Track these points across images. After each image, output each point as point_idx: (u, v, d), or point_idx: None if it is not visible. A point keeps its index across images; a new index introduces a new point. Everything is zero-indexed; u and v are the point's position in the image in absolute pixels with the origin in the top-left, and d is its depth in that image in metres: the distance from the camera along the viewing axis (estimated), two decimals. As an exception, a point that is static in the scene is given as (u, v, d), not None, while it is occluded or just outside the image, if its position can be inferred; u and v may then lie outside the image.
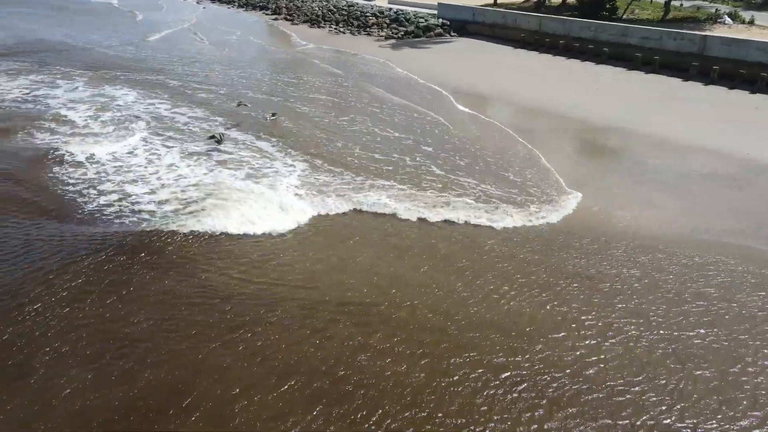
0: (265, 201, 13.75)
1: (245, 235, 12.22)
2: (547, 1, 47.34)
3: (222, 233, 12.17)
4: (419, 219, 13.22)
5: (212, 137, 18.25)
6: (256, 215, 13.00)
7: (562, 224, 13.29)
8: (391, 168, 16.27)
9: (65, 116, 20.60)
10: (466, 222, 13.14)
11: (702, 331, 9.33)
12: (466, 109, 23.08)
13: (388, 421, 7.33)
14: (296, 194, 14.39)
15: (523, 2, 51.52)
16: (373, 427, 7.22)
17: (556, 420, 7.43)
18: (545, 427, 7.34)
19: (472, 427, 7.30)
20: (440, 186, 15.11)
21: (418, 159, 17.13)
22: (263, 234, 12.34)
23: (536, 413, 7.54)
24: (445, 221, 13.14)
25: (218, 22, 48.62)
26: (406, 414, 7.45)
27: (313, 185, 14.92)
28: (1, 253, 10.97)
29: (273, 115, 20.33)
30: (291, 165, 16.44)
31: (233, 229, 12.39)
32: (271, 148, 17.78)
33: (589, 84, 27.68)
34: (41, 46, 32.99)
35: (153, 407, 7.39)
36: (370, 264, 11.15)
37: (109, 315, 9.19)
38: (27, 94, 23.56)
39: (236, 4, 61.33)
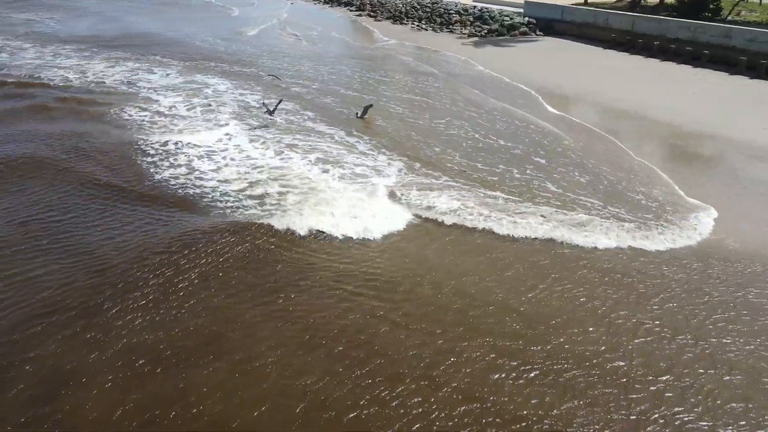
0: (361, 202, 13.53)
1: (343, 238, 12.06)
2: (642, 1, 45.01)
3: (318, 231, 12.14)
4: (536, 239, 12.29)
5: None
6: (351, 216, 12.74)
7: (709, 247, 12.26)
8: (496, 179, 15.37)
9: (156, 100, 22.06)
10: (595, 247, 12.04)
11: None
12: (558, 111, 22.21)
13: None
14: (392, 196, 14.01)
15: (616, 1, 49.27)
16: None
17: None
18: None
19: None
20: (558, 203, 13.98)
21: (528, 172, 15.95)
22: (358, 239, 12.05)
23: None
24: (571, 245, 12.13)
25: (306, 18, 49.78)
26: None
27: (410, 189, 14.50)
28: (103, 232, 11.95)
29: (364, 112, 20.34)
30: (386, 165, 16.16)
31: (327, 228, 12.24)
32: (364, 146, 17.62)
33: (686, 87, 26.00)
34: (141, 38, 35.15)
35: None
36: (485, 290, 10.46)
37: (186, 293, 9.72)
38: (125, 78, 25.36)
39: (322, 0, 62.65)
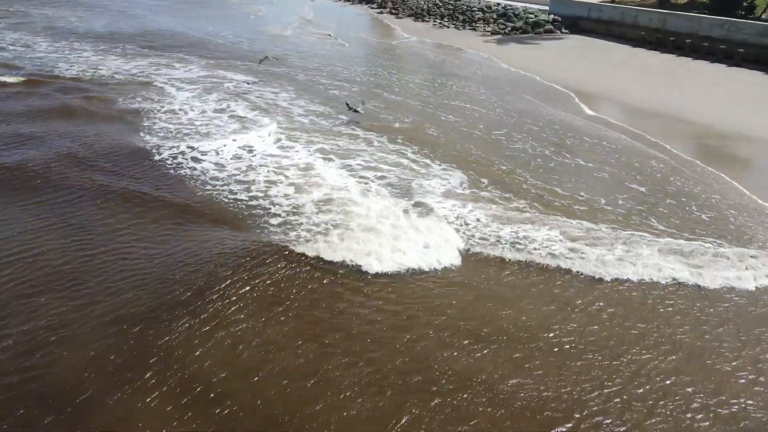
0: (413, 228, 11.70)
1: (388, 270, 10.46)
2: (671, -2, 43.75)
3: (358, 266, 10.38)
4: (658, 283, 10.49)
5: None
6: (396, 246, 10.91)
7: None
8: (585, 209, 13.35)
9: (170, 92, 21.78)
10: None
11: None
12: (594, 113, 21.38)
13: None
14: (453, 223, 12.19)
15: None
16: None
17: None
18: None
19: None
20: (669, 236, 12.08)
21: (621, 201, 13.90)
22: (409, 270, 10.42)
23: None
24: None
25: (328, 16, 49.30)
26: None
27: (476, 213, 12.75)
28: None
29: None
30: (444, 182, 14.54)
31: (375, 265, 10.38)
32: (413, 156, 16.22)
33: (722, 88, 25.01)
34: (163, 35, 35.02)
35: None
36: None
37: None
38: (142, 71, 25.27)
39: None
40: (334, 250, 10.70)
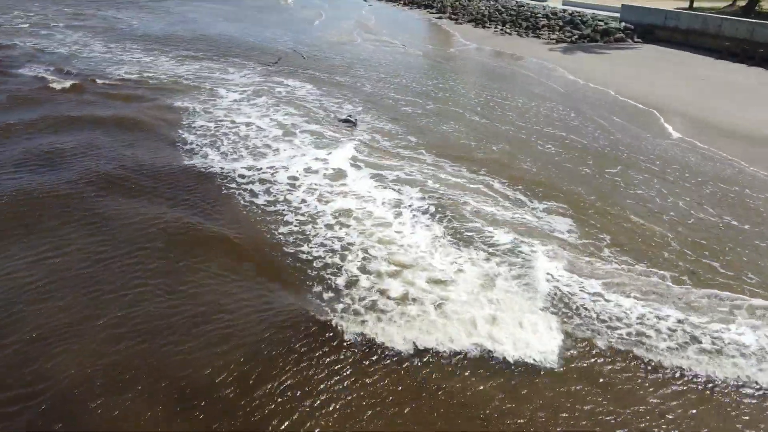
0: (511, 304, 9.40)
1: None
2: (759, 7, 40.15)
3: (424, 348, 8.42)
4: None
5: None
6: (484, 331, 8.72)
7: None
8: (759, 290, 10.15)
9: (225, 99, 21.00)
10: None
11: None
12: (706, 145, 18.05)
13: None
14: (570, 301, 9.56)
15: (726, 6, 44.45)
16: None
17: None
18: None
19: None
20: None
21: None
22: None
23: None
24: None
25: (387, 22, 48.13)
26: None
27: (591, 285, 9.99)
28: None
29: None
30: (551, 233, 11.84)
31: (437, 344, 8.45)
32: (513, 194, 13.66)
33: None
34: (219, 39, 34.72)
35: None
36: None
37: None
38: (195, 75, 24.85)
39: (401, 2, 61.01)
40: (415, 330, 8.70)
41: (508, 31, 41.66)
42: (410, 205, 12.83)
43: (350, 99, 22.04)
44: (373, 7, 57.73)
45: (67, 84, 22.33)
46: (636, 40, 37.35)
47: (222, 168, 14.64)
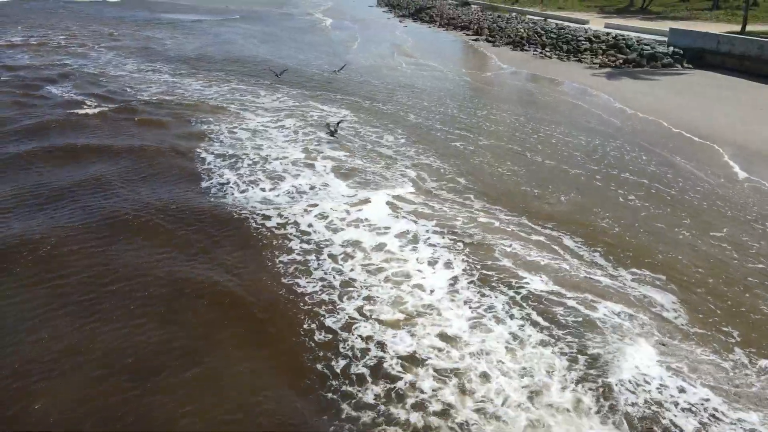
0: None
1: None
2: (820, 30, 37.66)
3: None
4: None
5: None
6: None
7: None
8: None
9: (249, 118, 20.09)
10: None
11: None
12: None
13: None
14: None
15: (783, 30, 41.95)
16: None
17: None
18: None
19: None
20: None
21: None
22: None
23: None
24: None
25: (423, 44, 47.08)
26: None
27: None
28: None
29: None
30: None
31: None
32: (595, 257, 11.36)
33: None
34: (251, 61, 34.23)
35: None
36: None
37: None
38: (224, 96, 24.20)
39: (436, 23, 60.17)
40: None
41: (548, 54, 40.13)
42: (460, 272, 10.64)
43: (392, 129, 20.46)
44: (407, 29, 57.03)
45: (91, 106, 21.89)
46: (685, 65, 35.31)
47: (247, 209, 13.33)
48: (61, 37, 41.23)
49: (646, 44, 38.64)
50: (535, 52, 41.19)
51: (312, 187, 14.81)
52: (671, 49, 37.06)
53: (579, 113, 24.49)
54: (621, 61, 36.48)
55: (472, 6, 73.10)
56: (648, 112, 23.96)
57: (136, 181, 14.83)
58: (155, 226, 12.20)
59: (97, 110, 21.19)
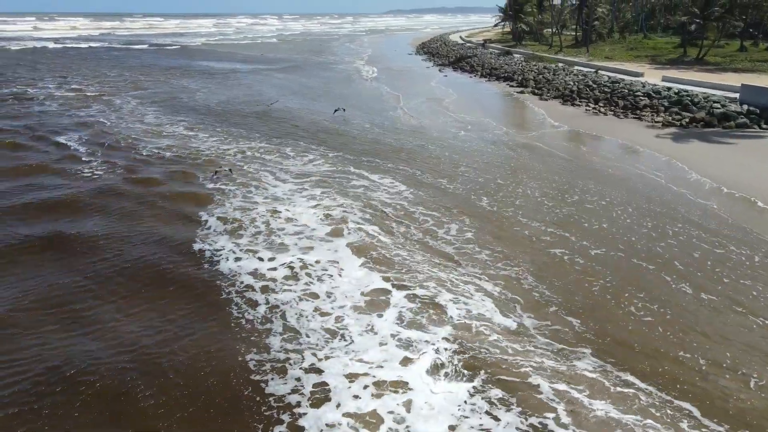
0: None
1: None
2: None
3: None
4: None
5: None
6: None
7: None
8: None
9: (270, 183, 16.99)
10: None
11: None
12: None
13: None
14: None
15: None
16: None
17: None
18: None
19: None
20: None
21: None
22: None
23: None
24: None
25: (463, 96, 44.30)
26: None
27: None
28: None
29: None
30: None
31: None
32: None
33: None
34: (281, 117, 31.97)
35: None
36: None
37: None
38: (243, 155, 21.60)
39: (478, 73, 57.69)
40: None
41: (602, 110, 36.73)
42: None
43: (460, 220, 15.95)
44: (448, 78, 54.60)
45: (94, 158, 19.91)
46: (764, 126, 31.31)
47: (236, 286, 10.36)
48: (95, 84, 40.48)
49: (714, 101, 34.83)
50: (587, 108, 37.85)
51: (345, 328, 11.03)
52: (745, 107, 33.15)
53: (644, 184, 20.76)
54: (687, 120, 32.73)
55: (515, 55, 70.66)
56: (735, 187, 20.11)
57: (116, 240, 12.30)
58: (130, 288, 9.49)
59: (94, 164, 19.24)
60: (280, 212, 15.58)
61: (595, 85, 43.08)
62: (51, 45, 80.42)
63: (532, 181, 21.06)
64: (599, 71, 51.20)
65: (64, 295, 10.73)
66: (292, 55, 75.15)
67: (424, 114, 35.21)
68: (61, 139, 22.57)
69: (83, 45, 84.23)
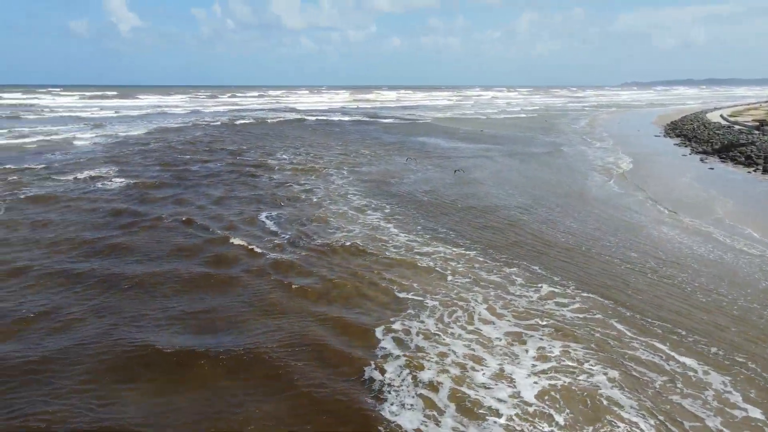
0: None
1: None
2: None
3: None
4: None
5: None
6: None
7: None
8: None
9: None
10: None
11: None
12: None
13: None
14: None
15: None
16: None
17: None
18: None
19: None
20: None
21: None
22: None
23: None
24: None
25: (759, 206, 31.35)
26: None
27: None
28: None
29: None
30: None
31: None
32: None
33: None
34: (505, 226, 26.53)
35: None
36: None
37: None
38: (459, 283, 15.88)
39: (760, 168, 44.91)
40: None
41: None
42: None
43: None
44: (715, 173, 42.95)
45: (265, 256, 17.36)
46: None
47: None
48: (309, 155, 41.29)
49: None
50: None
51: None
52: None
53: None
54: None
55: (810, 145, 54.55)
56: None
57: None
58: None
59: (260, 250, 16.43)
60: (480, 370, 9.96)
61: None
62: (312, 118, 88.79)
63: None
64: None
65: None
66: (515, 131, 70.15)
67: (724, 251, 25.95)
68: (234, 237, 20.65)
69: (334, 118, 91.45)
